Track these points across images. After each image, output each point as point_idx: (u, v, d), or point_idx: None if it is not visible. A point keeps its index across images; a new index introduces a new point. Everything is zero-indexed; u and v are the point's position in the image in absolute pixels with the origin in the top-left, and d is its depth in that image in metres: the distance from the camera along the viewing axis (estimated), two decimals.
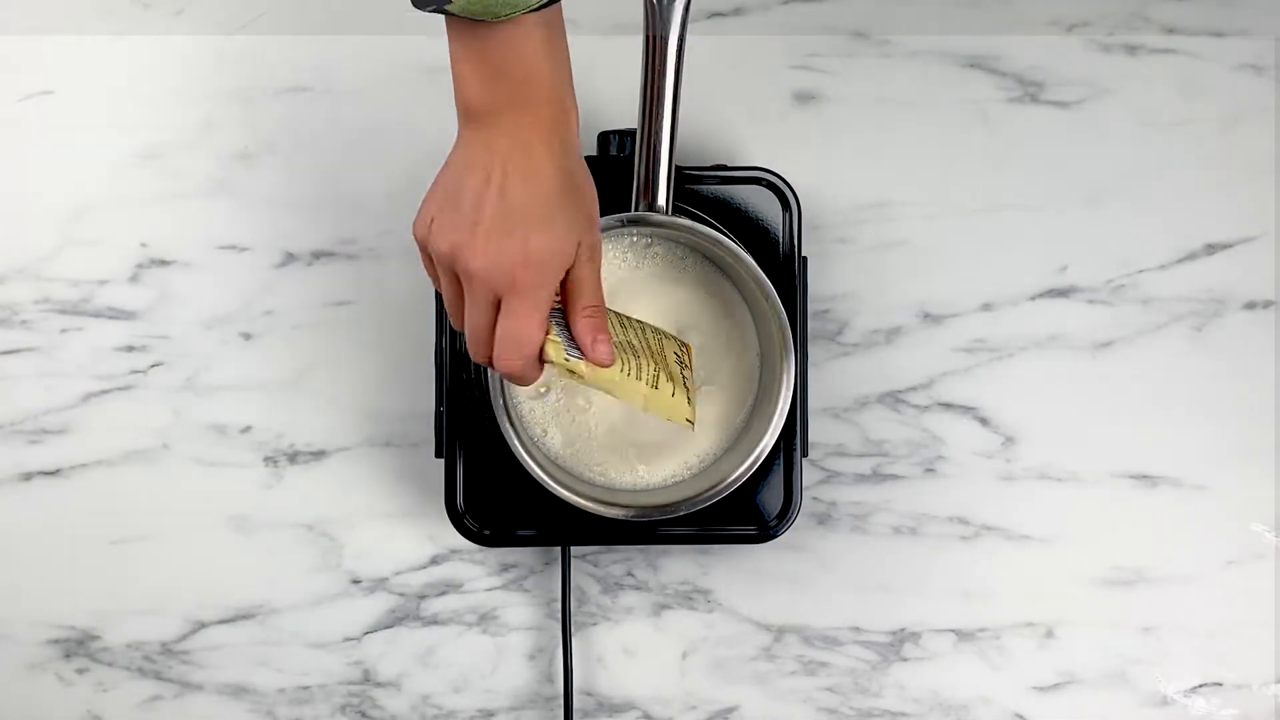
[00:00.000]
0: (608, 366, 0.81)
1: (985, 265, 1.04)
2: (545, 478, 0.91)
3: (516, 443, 0.91)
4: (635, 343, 0.86)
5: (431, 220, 0.78)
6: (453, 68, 0.76)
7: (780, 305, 0.91)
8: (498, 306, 0.77)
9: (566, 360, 0.80)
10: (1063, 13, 1.04)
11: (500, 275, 0.76)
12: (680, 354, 0.90)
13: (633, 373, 0.84)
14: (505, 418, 0.91)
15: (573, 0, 1.02)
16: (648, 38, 0.83)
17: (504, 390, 0.91)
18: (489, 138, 0.76)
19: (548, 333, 0.79)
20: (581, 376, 0.81)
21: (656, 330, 0.90)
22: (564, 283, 0.79)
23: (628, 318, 0.89)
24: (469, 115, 0.77)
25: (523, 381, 0.80)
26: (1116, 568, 1.04)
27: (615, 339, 0.84)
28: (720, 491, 0.92)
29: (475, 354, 0.80)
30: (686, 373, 0.89)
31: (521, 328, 0.77)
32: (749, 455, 0.92)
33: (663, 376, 0.86)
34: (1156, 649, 1.04)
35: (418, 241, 0.79)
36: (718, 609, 1.04)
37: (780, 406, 0.92)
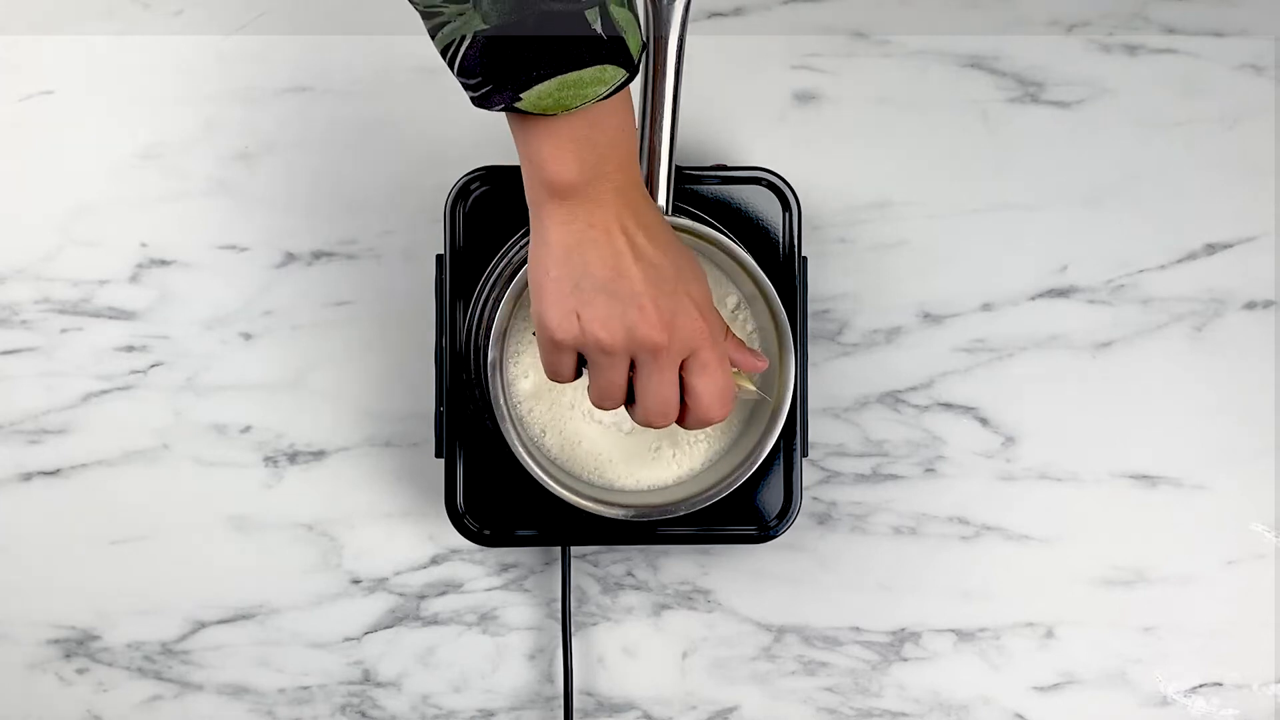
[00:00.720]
0: (765, 368, 0.86)
1: (985, 265, 1.04)
2: (545, 478, 0.91)
3: (516, 442, 0.91)
4: None
5: (578, 314, 0.76)
6: (525, 150, 0.74)
7: (780, 305, 0.91)
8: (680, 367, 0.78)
9: (753, 388, 0.88)
10: (1063, 13, 1.04)
11: (687, 337, 0.76)
12: None
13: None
14: (505, 418, 0.91)
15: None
16: (647, 38, 0.83)
17: (504, 391, 0.91)
18: (587, 211, 0.75)
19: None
20: (755, 394, 0.87)
21: None
22: None
23: None
24: (558, 193, 0.75)
25: (722, 418, 0.81)
26: (1116, 568, 1.04)
27: None
28: (720, 491, 0.92)
29: (661, 420, 0.79)
30: None
31: (720, 378, 0.78)
32: (749, 455, 0.92)
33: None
34: (1156, 649, 1.04)
35: (565, 342, 0.77)
36: (718, 609, 1.04)
37: (780, 406, 0.92)
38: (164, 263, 1.03)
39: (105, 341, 1.03)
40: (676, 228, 0.91)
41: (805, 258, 0.97)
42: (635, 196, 0.76)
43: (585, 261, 0.75)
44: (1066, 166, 1.04)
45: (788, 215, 0.96)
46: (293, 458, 1.03)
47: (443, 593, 1.04)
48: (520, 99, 0.71)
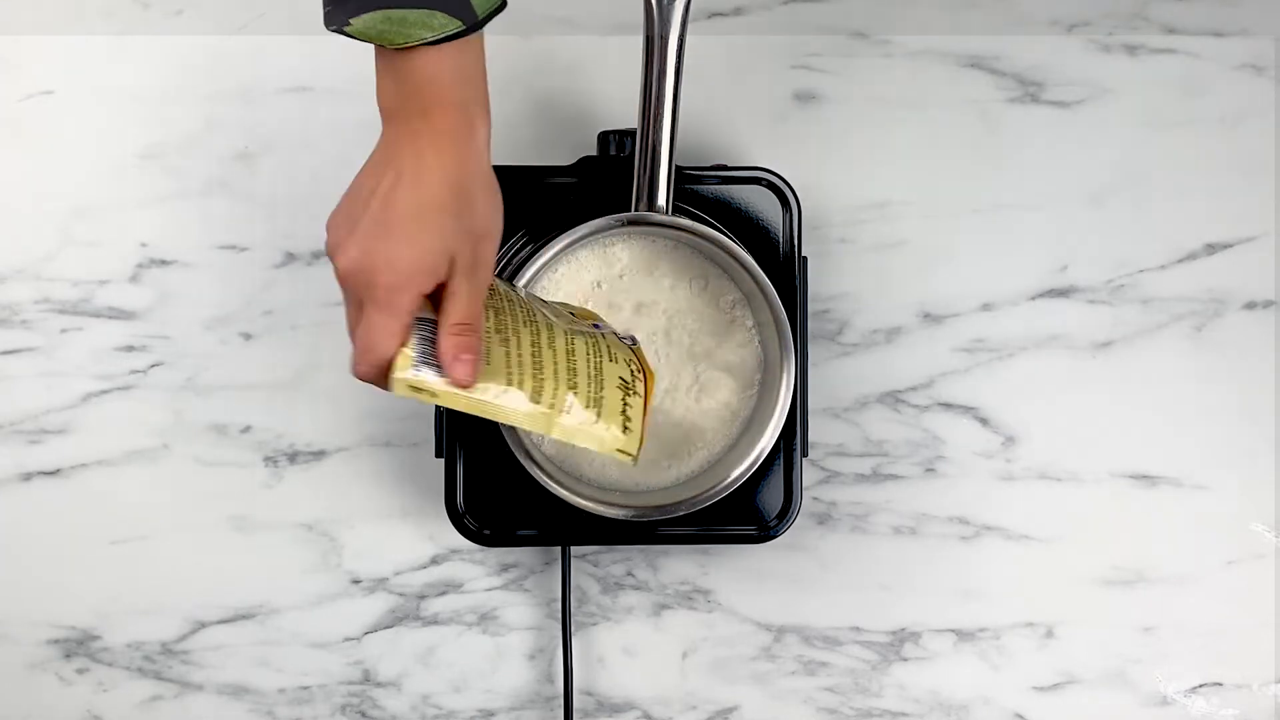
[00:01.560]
0: (466, 387, 0.78)
1: (985, 265, 1.04)
2: (544, 478, 0.91)
3: (515, 443, 0.91)
4: (550, 362, 0.82)
5: (333, 214, 0.77)
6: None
7: (780, 305, 0.91)
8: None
9: (414, 376, 0.77)
10: (1063, 13, 1.04)
11: (360, 279, 0.75)
12: (629, 380, 0.85)
13: (525, 392, 0.80)
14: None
15: (573, 1, 1.03)
16: (648, 38, 0.83)
17: None
18: (395, 139, 0.76)
19: (403, 344, 0.76)
20: (435, 395, 0.78)
21: (610, 349, 0.85)
22: (441, 296, 0.77)
23: (568, 330, 0.85)
24: (382, 115, 0.77)
25: (383, 387, 0.78)
26: (1116, 568, 1.04)
27: (513, 354, 0.80)
28: (720, 491, 0.92)
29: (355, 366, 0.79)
30: (630, 399, 0.84)
31: (374, 335, 0.76)
32: (749, 455, 0.92)
33: (579, 401, 0.81)
34: (1156, 649, 1.04)
35: (328, 246, 0.78)
36: (718, 609, 1.04)
37: (780, 406, 0.92)
38: (164, 263, 1.03)
39: (105, 341, 1.03)
40: (677, 227, 0.91)
41: (805, 258, 0.97)
42: (426, 146, 0.75)
43: (362, 181, 0.77)
44: (1066, 166, 1.04)
45: (788, 215, 0.96)
46: (293, 457, 1.03)
47: (443, 593, 1.04)
48: (349, 24, 0.73)
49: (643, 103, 0.85)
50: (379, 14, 0.72)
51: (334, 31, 0.74)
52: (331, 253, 0.77)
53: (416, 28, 0.73)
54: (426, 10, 0.72)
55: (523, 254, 0.95)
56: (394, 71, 0.75)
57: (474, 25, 0.74)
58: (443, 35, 0.73)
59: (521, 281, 0.91)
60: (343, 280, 0.76)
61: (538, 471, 0.91)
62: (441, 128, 0.76)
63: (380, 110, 0.77)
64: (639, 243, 0.94)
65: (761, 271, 0.92)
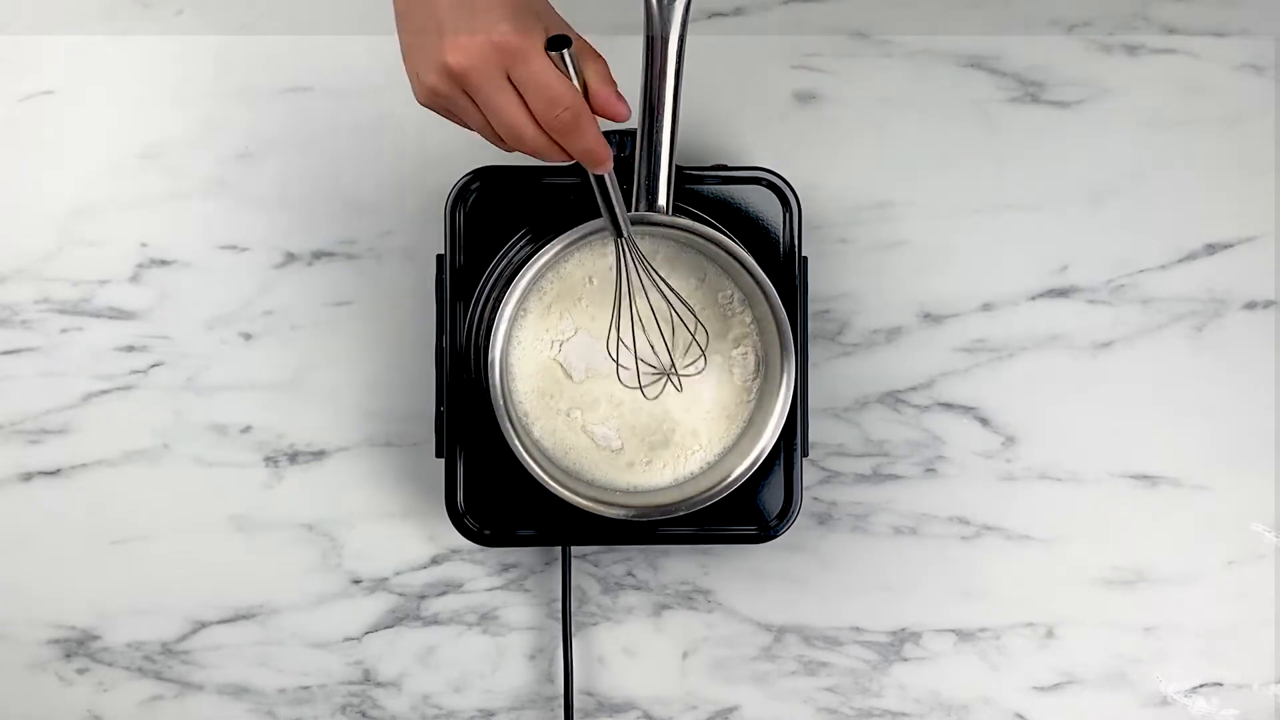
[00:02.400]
0: (623, 119, 0.79)
1: (986, 265, 1.04)
2: (545, 478, 0.91)
3: (516, 443, 0.91)
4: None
5: (418, 73, 0.77)
6: None
7: (780, 305, 0.91)
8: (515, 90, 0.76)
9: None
10: (1063, 13, 1.04)
11: (485, 48, 0.75)
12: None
13: None
14: (505, 418, 0.91)
15: (572, 0, 1.03)
16: (648, 38, 0.83)
17: (504, 391, 0.91)
18: None
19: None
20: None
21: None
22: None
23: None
24: None
25: (598, 155, 0.79)
26: (1117, 568, 1.04)
27: None
28: (720, 491, 0.92)
29: (537, 148, 0.78)
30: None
31: (541, 85, 0.76)
32: (749, 455, 0.92)
33: None
34: (1157, 649, 1.04)
35: (428, 106, 0.78)
36: (718, 609, 1.04)
37: (780, 406, 0.92)
38: (164, 263, 1.03)
39: (105, 341, 1.03)
40: (677, 227, 0.91)
41: (805, 258, 0.98)
42: None
43: (410, 22, 0.77)
44: (1067, 166, 1.04)
45: (788, 215, 0.96)
46: (293, 458, 1.03)
47: (443, 593, 1.04)
48: None
49: (643, 103, 0.85)
50: None
51: None
52: (442, 77, 0.75)
53: None
54: None
55: (523, 254, 0.95)
56: None
57: None
58: None
59: (522, 282, 0.91)
60: (473, 67, 0.75)
61: (538, 471, 0.91)
62: None
63: None
64: (639, 242, 0.94)
65: (761, 271, 0.92)
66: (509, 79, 0.76)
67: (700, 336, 0.93)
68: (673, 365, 0.94)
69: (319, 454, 1.04)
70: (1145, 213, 1.04)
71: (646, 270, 0.91)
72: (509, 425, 0.91)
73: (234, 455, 1.03)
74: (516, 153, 0.81)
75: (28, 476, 1.03)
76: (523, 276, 0.91)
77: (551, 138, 0.78)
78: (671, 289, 0.93)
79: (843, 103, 1.04)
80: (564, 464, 0.94)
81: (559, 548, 1.02)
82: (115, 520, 1.03)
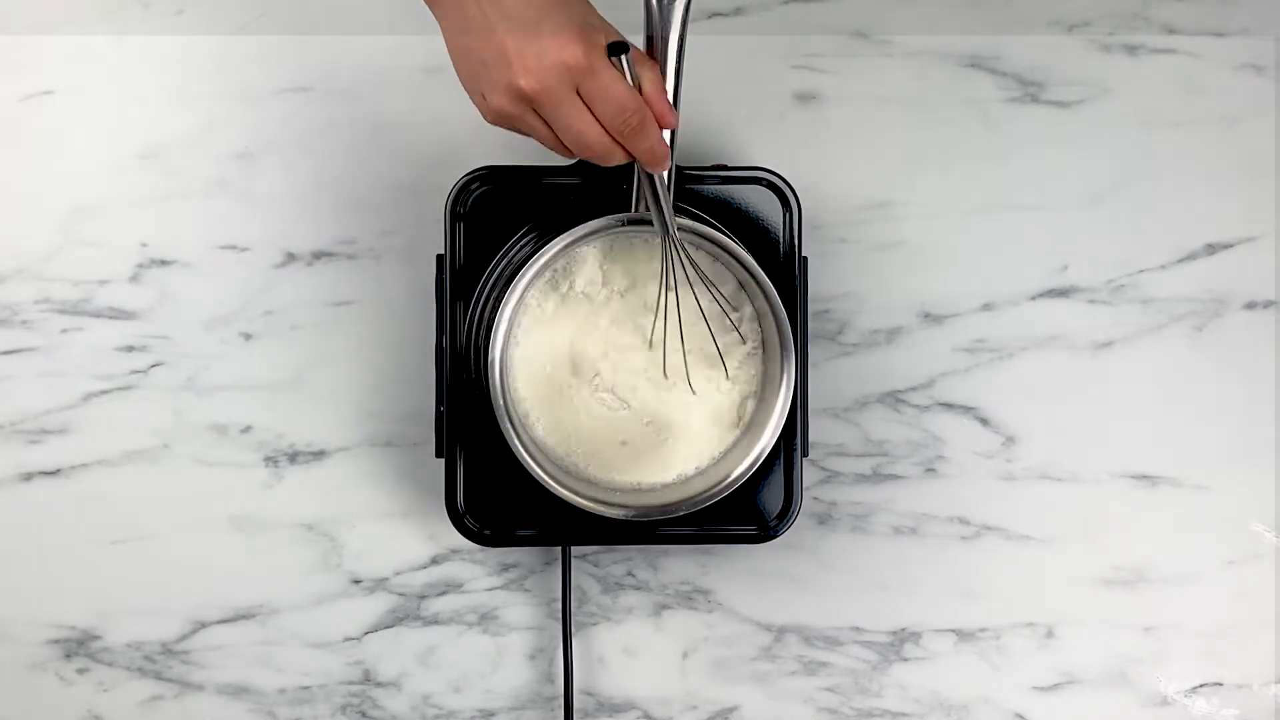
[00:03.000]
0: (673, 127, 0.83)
1: (986, 265, 1.04)
2: (545, 478, 0.91)
3: (516, 443, 0.91)
4: None
5: (484, 96, 0.79)
6: None
7: (780, 305, 0.91)
8: (582, 103, 0.79)
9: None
10: (1063, 13, 1.04)
11: (562, 73, 0.78)
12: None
13: None
14: (505, 418, 0.91)
15: None
16: (648, 38, 0.83)
17: (504, 391, 0.91)
18: (460, 6, 0.78)
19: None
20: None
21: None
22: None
23: None
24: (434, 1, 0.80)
25: (660, 154, 0.82)
26: (1117, 568, 1.04)
27: None
28: (720, 491, 0.92)
29: (591, 151, 0.81)
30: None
31: (612, 96, 0.79)
32: (749, 455, 0.92)
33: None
34: (1157, 649, 1.04)
35: (497, 124, 0.81)
36: (718, 609, 1.04)
37: (780, 406, 0.92)
38: (164, 263, 1.03)
39: (105, 341, 1.03)
40: (678, 227, 0.91)
41: (805, 257, 0.98)
42: None
43: (466, 49, 0.79)
44: (1067, 166, 1.04)
45: (788, 215, 0.96)
46: (293, 458, 1.03)
47: (443, 593, 1.04)
48: None
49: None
50: None
51: None
52: (512, 98, 0.78)
53: None
54: None
55: (523, 253, 0.95)
56: None
57: None
58: None
59: (523, 281, 0.91)
60: (543, 88, 0.78)
61: (538, 471, 0.91)
62: None
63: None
64: (639, 242, 0.94)
65: (762, 271, 0.92)
66: (578, 93, 0.79)
67: (744, 331, 0.94)
68: (722, 359, 0.94)
69: (319, 454, 1.04)
70: (1145, 213, 1.04)
71: (692, 267, 0.91)
72: (509, 425, 0.91)
73: (234, 455, 1.03)
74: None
75: (28, 476, 1.03)
76: (523, 276, 0.91)
77: (617, 141, 0.81)
78: (716, 288, 0.93)
79: (843, 103, 1.04)
80: (565, 464, 0.94)
81: (559, 548, 1.02)
82: (115, 520, 1.03)
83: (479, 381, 0.94)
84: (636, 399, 0.95)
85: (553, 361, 0.94)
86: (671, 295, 0.92)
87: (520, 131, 0.82)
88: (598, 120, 0.80)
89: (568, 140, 0.81)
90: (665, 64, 0.84)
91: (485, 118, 0.82)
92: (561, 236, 0.91)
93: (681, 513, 0.92)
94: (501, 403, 0.91)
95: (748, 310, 0.95)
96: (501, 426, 0.91)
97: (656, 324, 0.93)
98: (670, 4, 0.82)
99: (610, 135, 0.81)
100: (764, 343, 0.95)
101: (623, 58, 0.79)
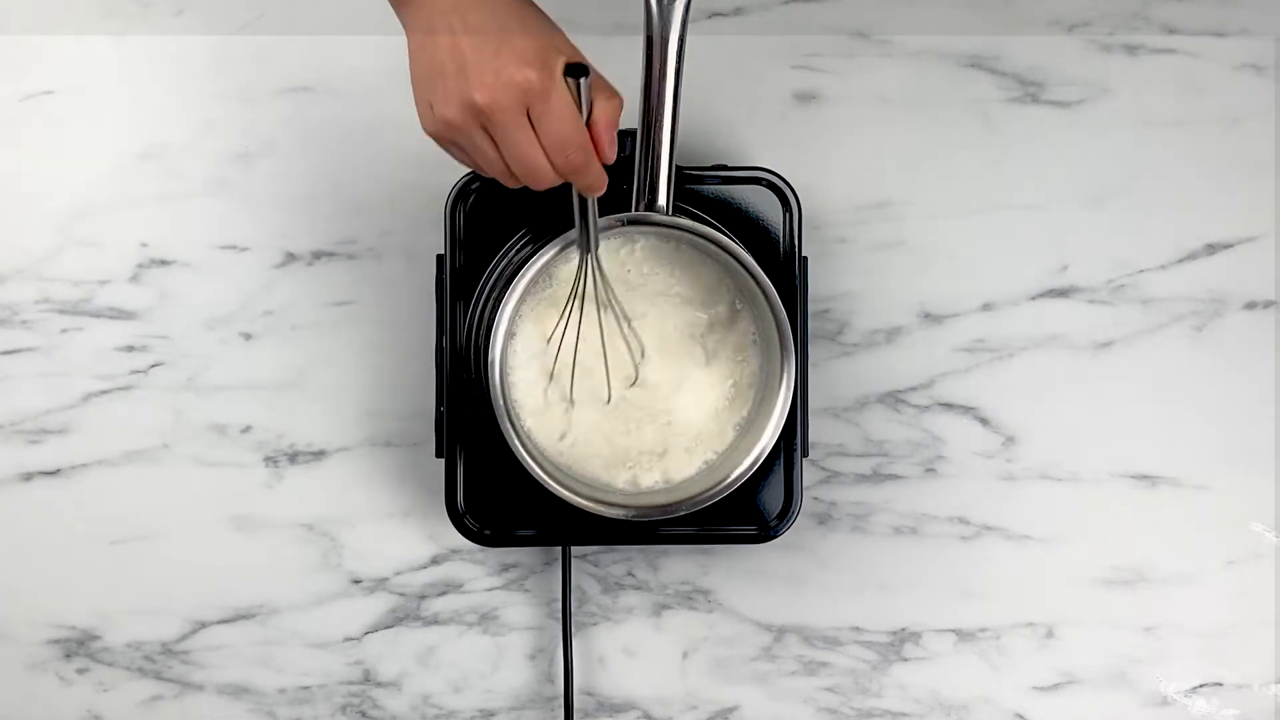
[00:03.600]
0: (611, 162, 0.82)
1: (986, 265, 1.04)
2: (545, 477, 0.91)
3: (516, 443, 0.91)
4: None
5: (431, 106, 0.78)
6: None
7: (780, 305, 0.91)
8: (531, 127, 0.78)
9: None
10: (1063, 13, 1.04)
11: (515, 93, 0.77)
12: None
13: None
14: (505, 418, 0.91)
15: (573, 1, 1.03)
16: (647, 38, 0.83)
17: (503, 391, 0.91)
18: (427, 13, 0.78)
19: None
20: None
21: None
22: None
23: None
24: (402, 5, 0.79)
25: (597, 187, 0.82)
26: (1117, 568, 1.04)
27: None
28: (720, 492, 0.92)
29: (533, 178, 0.80)
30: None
31: (560, 122, 0.78)
32: (749, 455, 0.92)
33: None
34: (1157, 649, 1.04)
35: (437, 137, 0.80)
36: (718, 609, 1.04)
37: (780, 407, 0.92)
38: (164, 263, 1.03)
39: (105, 341, 1.03)
40: (677, 227, 0.91)
41: (805, 257, 0.97)
42: None
43: (429, 57, 0.78)
44: (1067, 167, 1.04)
45: (788, 215, 0.96)
46: (293, 458, 1.03)
47: (443, 593, 1.04)
48: None
49: (643, 103, 0.85)
50: None
51: None
52: (464, 112, 0.77)
53: None
54: None
55: (523, 254, 0.95)
56: None
57: None
58: None
59: (522, 282, 0.91)
60: (495, 106, 0.77)
61: (538, 471, 0.91)
62: None
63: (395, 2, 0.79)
64: (639, 242, 0.94)
65: (761, 272, 0.92)
66: (528, 115, 0.78)
67: (635, 359, 0.94)
68: (637, 370, 0.94)
69: (319, 454, 1.04)
70: (1145, 213, 1.04)
71: (607, 288, 0.92)
72: (508, 425, 0.91)
73: (234, 455, 1.03)
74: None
75: (28, 476, 1.03)
76: (523, 276, 0.91)
77: (558, 172, 0.80)
78: (623, 312, 0.93)
79: (843, 103, 1.04)
80: (563, 463, 0.94)
81: (559, 548, 1.02)
82: (115, 520, 1.03)
83: (479, 381, 0.94)
84: (635, 399, 0.95)
85: (552, 361, 0.94)
86: (577, 311, 0.92)
87: (455, 151, 0.81)
88: (541, 145, 0.79)
89: (511, 160, 0.79)
90: (665, 64, 0.84)
91: (426, 128, 0.80)
92: (561, 237, 0.91)
93: (682, 512, 0.92)
94: (501, 403, 0.91)
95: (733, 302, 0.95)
96: (501, 427, 0.91)
97: (560, 334, 0.93)
98: (670, 4, 0.82)
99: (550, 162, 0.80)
100: (763, 343, 0.95)
101: (580, 81, 0.78)
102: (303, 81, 1.03)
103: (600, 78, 0.81)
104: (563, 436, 0.95)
